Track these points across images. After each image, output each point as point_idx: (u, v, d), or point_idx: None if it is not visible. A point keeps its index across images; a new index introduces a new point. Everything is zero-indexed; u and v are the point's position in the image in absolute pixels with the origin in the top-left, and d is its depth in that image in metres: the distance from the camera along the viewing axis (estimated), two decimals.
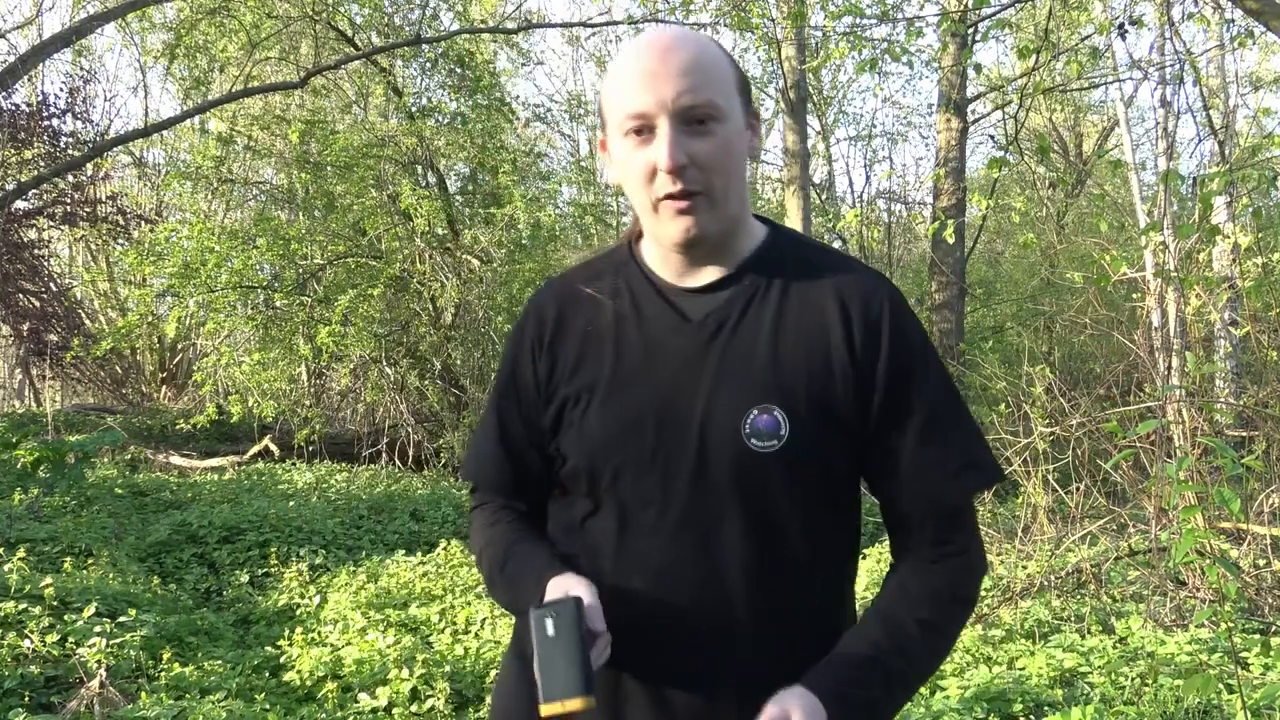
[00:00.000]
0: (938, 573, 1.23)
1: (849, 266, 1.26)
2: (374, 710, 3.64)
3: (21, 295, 12.10)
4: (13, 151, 11.30)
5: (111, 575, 5.12)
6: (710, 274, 1.23)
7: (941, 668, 3.82)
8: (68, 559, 5.29)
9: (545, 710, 1.05)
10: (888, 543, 1.31)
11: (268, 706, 3.58)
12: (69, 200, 12.23)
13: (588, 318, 1.26)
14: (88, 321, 14.07)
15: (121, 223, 12.73)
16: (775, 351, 1.19)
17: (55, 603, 4.18)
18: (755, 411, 1.16)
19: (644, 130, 1.16)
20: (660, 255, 1.26)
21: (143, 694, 3.53)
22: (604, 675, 1.15)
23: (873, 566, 5.61)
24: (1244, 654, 3.73)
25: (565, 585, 1.14)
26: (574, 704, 1.05)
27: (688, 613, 1.18)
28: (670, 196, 1.16)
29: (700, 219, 1.17)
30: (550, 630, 1.07)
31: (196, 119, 13.78)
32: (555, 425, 1.25)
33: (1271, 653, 3.73)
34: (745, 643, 1.19)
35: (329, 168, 10.64)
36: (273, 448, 10.41)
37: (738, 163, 1.19)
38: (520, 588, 1.23)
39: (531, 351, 1.28)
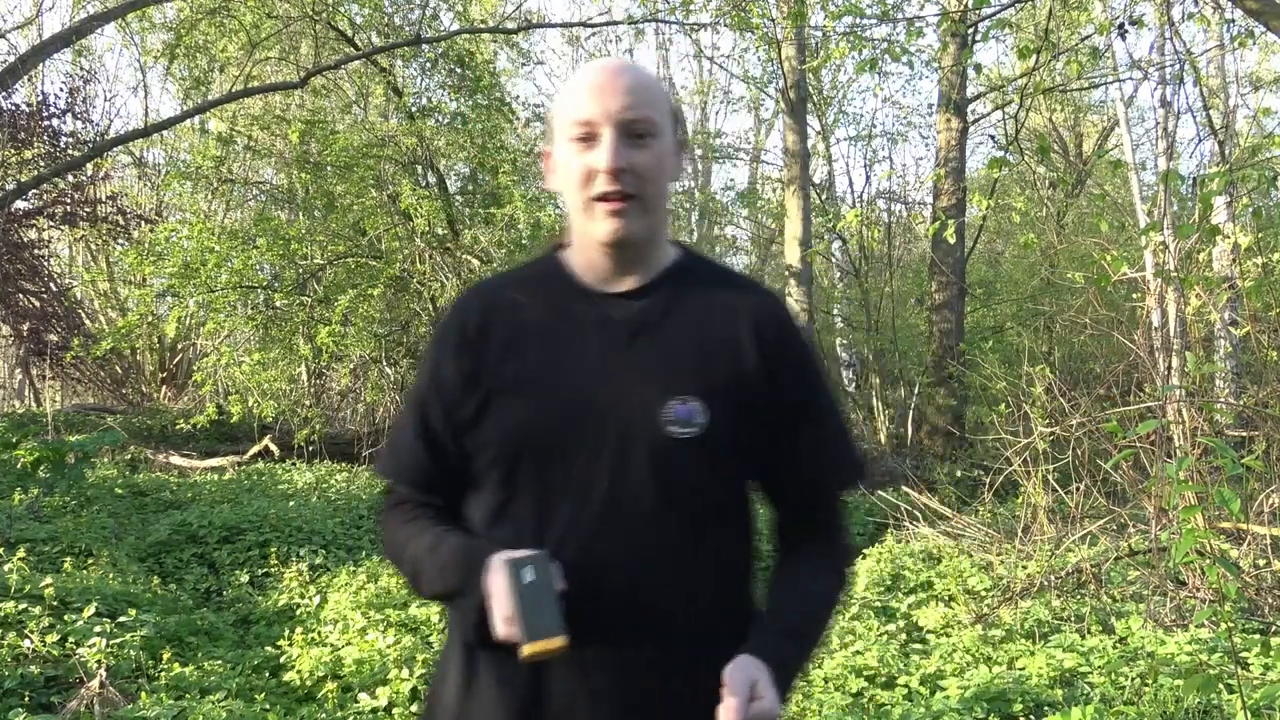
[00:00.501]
0: (829, 555, 1.41)
1: (753, 283, 1.43)
2: (374, 710, 3.64)
3: (21, 295, 12.10)
4: (13, 151, 11.29)
5: (111, 575, 5.12)
6: (631, 281, 1.34)
7: (942, 668, 3.83)
8: (68, 559, 5.29)
9: (529, 649, 1.13)
10: (773, 532, 1.44)
11: (268, 706, 3.58)
12: (69, 200, 12.23)
13: (513, 317, 1.35)
14: (88, 321, 14.06)
15: (121, 223, 12.72)
16: (693, 351, 1.31)
17: (55, 603, 4.18)
18: (674, 402, 1.27)
19: (589, 137, 1.28)
20: (585, 262, 1.35)
21: (143, 694, 3.53)
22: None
23: (873, 566, 5.61)
24: (1244, 654, 3.73)
25: (512, 554, 1.21)
26: (556, 643, 1.13)
27: (612, 594, 1.25)
28: (606, 197, 1.27)
29: (629, 221, 1.28)
30: (529, 577, 1.15)
31: (196, 119, 13.77)
32: (478, 417, 1.32)
33: (1271, 653, 3.73)
34: (669, 619, 1.28)
35: (329, 168, 10.64)
36: (273, 448, 10.40)
37: (666, 178, 1.33)
38: (453, 572, 1.28)
39: (455, 350, 1.35)
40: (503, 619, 1.17)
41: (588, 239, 1.33)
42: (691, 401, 1.27)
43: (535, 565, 1.16)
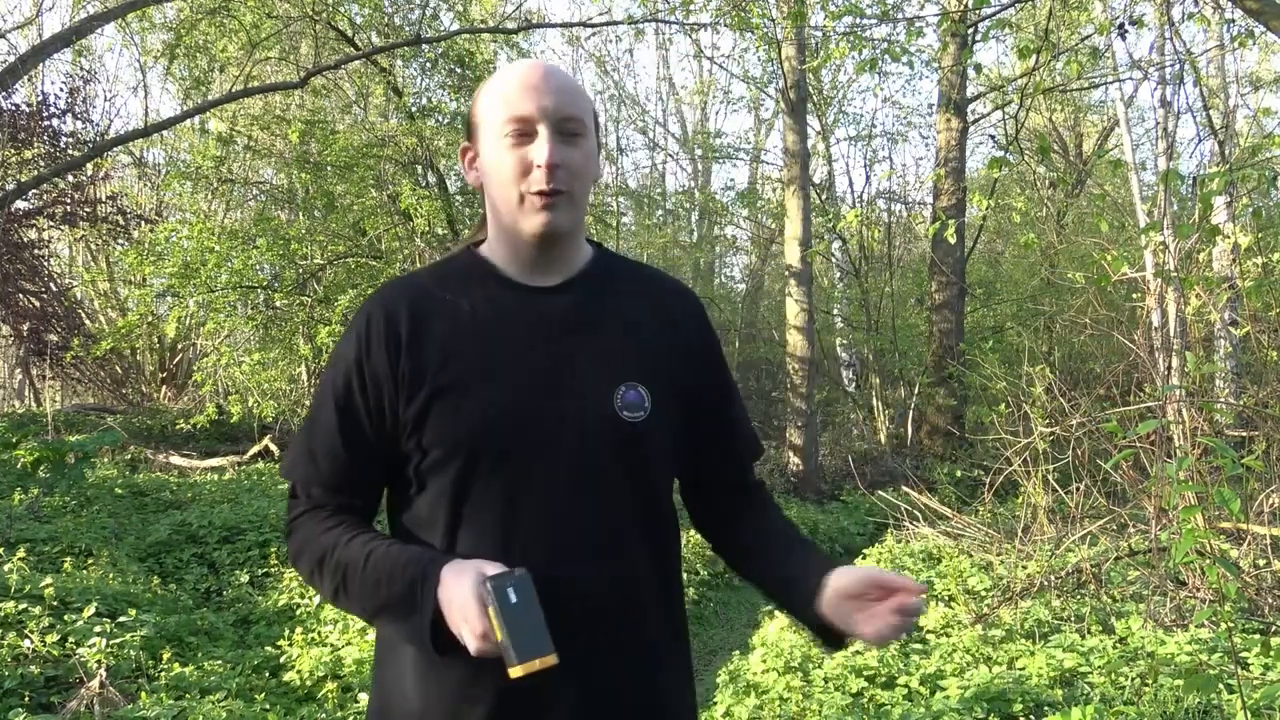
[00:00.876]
0: (775, 508, 1.52)
1: (668, 277, 1.51)
2: None
3: (21, 295, 12.09)
4: (13, 151, 11.29)
5: (111, 575, 5.12)
6: (555, 277, 1.37)
7: (942, 668, 3.83)
8: (68, 559, 5.29)
9: (519, 670, 1.14)
10: (691, 507, 1.55)
11: (268, 706, 3.58)
12: (69, 200, 12.22)
13: (445, 315, 1.34)
14: (88, 321, 14.05)
15: (121, 223, 12.72)
16: (630, 340, 1.37)
17: (55, 603, 4.18)
18: (623, 388, 1.33)
19: (523, 134, 1.30)
20: (508, 256, 1.37)
21: (143, 694, 3.53)
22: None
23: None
24: (1244, 654, 3.73)
25: (475, 566, 1.19)
26: (550, 660, 1.15)
27: (588, 580, 1.28)
28: (541, 192, 1.29)
29: (559, 214, 1.31)
30: (514, 598, 1.15)
31: (196, 119, 13.77)
32: (420, 418, 1.29)
33: (1271, 653, 3.73)
34: (642, 596, 1.33)
35: (329, 168, 10.64)
36: (273, 447, 10.40)
37: (592, 175, 1.37)
38: (396, 582, 1.24)
39: (386, 349, 1.31)
40: (476, 635, 1.15)
41: (515, 233, 1.34)
42: (638, 387, 1.33)
43: (518, 585, 1.16)
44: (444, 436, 1.28)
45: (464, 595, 1.16)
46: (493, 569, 1.18)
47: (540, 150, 1.29)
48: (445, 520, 1.29)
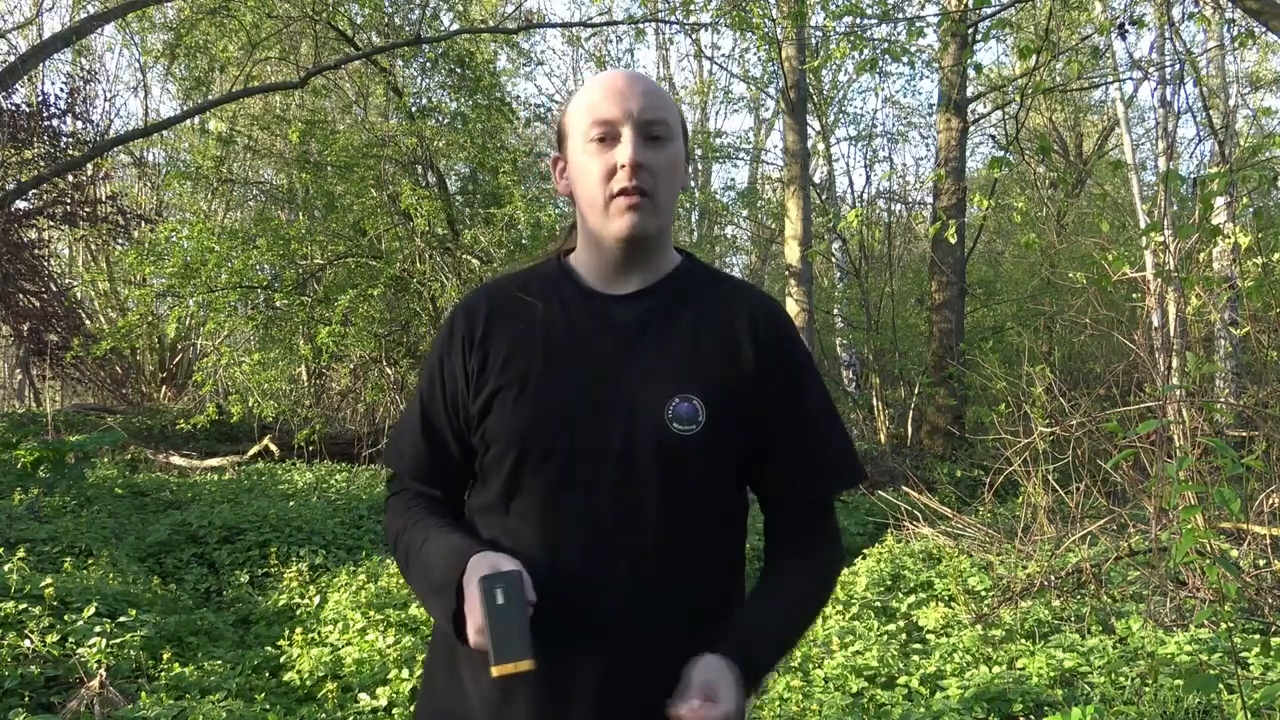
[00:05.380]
0: (815, 559, 1.42)
1: (752, 288, 1.47)
2: (374, 710, 3.64)
3: (21, 295, 12.08)
4: (13, 151, 11.29)
5: (111, 575, 5.12)
6: (635, 284, 1.39)
7: (942, 668, 3.83)
8: (68, 559, 5.29)
9: (497, 670, 1.17)
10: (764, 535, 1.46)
11: (268, 706, 3.58)
12: (69, 200, 12.22)
13: (519, 317, 1.39)
14: (88, 321, 14.05)
15: (121, 223, 12.71)
16: (693, 351, 1.35)
17: (55, 603, 4.18)
18: (677, 399, 1.31)
19: (608, 137, 1.33)
20: (594, 264, 1.40)
21: (143, 694, 3.53)
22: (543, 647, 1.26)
23: (873, 566, 5.61)
24: (1244, 654, 3.73)
25: (491, 561, 1.24)
26: (526, 665, 1.16)
27: (616, 583, 1.29)
28: (625, 192, 1.31)
29: (644, 217, 1.32)
30: (500, 599, 1.18)
31: (196, 119, 13.77)
32: (484, 413, 1.35)
33: (1271, 653, 3.73)
34: (664, 608, 1.31)
35: (329, 168, 10.64)
36: (273, 448, 10.40)
37: (678, 181, 1.37)
38: (438, 568, 1.32)
39: (462, 347, 1.39)
40: (475, 629, 1.20)
41: (601, 237, 1.36)
42: (693, 399, 1.31)
43: (507, 586, 1.18)
44: (499, 432, 1.34)
45: (471, 589, 1.22)
46: (507, 564, 1.22)
47: (624, 150, 1.31)
48: (499, 513, 1.35)
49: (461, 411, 1.38)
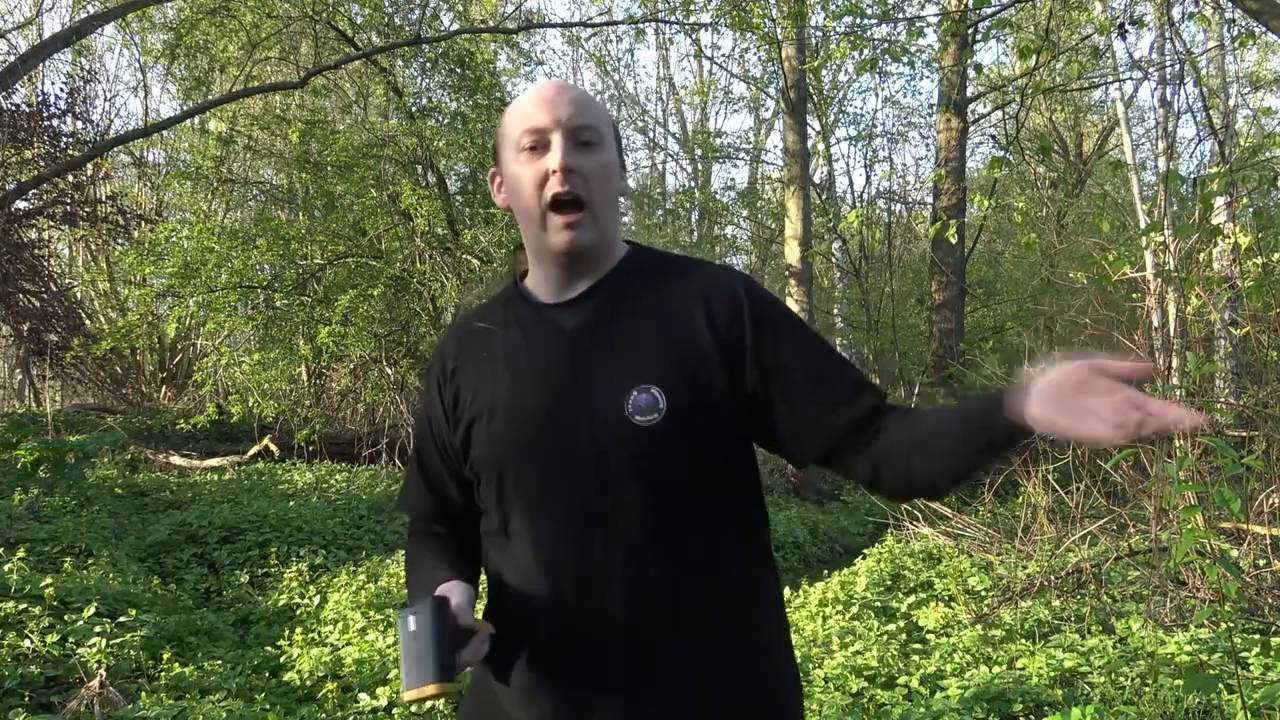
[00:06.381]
0: (896, 411, 1.32)
1: (702, 264, 1.44)
2: (374, 710, 3.64)
3: (21, 295, 12.08)
4: (13, 151, 11.28)
5: (111, 575, 5.12)
6: (582, 286, 1.39)
7: (942, 668, 3.83)
8: (68, 559, 5.29)
9: (407, 696, 1.18)
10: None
11: (268, 706, 3.58)
12: (69, 200, 12.22)
13: (482, 347, 1.42)
14: (88, 321, 14.05)
15: (121, 223, 12.71)
16: (646, 340, 1.34)
17: (55, 603, 4.18)
18: (635, 392, 1.29)
19: (538, 146, 1.34)
20: (540, 278, 1.41)
21: (143, 694, 3.53)
22: (545, 661, 1.30)
23: (873, 566, 5.61)
24: (1244, 654, 3.73)
25: (446, 590, 1.29)
26: (429, 690, 1.16)
27: (616, 596, 1.28)
28: (557, 200, 1.32)
29: (582, 232, 1.33)
30: (411, 626, 1.20)
31: (196, 119, 13.77)
32: (465, 446, 1.39)
33: (1271, 653, 3.73)
34: (668, 600, 1.29)
35: (329, 168, 10.64)
36: (273, 448, 10.40)
37: (613, 185, 1.37)
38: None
39: (438, 386, 1.44)
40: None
41: (543, 252, 1.38)
42: (650, 389, 1.29)
43: (419, 615, 1.20)
44: (481, 462, 1.37)
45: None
46: (451, 592, 1.27)
47: (554, 156, 1.32)
48: (502, 538, 1.37)
49: (450, 449, 1.42)
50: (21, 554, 4.95)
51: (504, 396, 1.35)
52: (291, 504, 7.16)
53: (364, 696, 3.69)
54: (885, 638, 4.31)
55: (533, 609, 1.30)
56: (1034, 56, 5.86)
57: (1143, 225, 7.55)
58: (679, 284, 1.38)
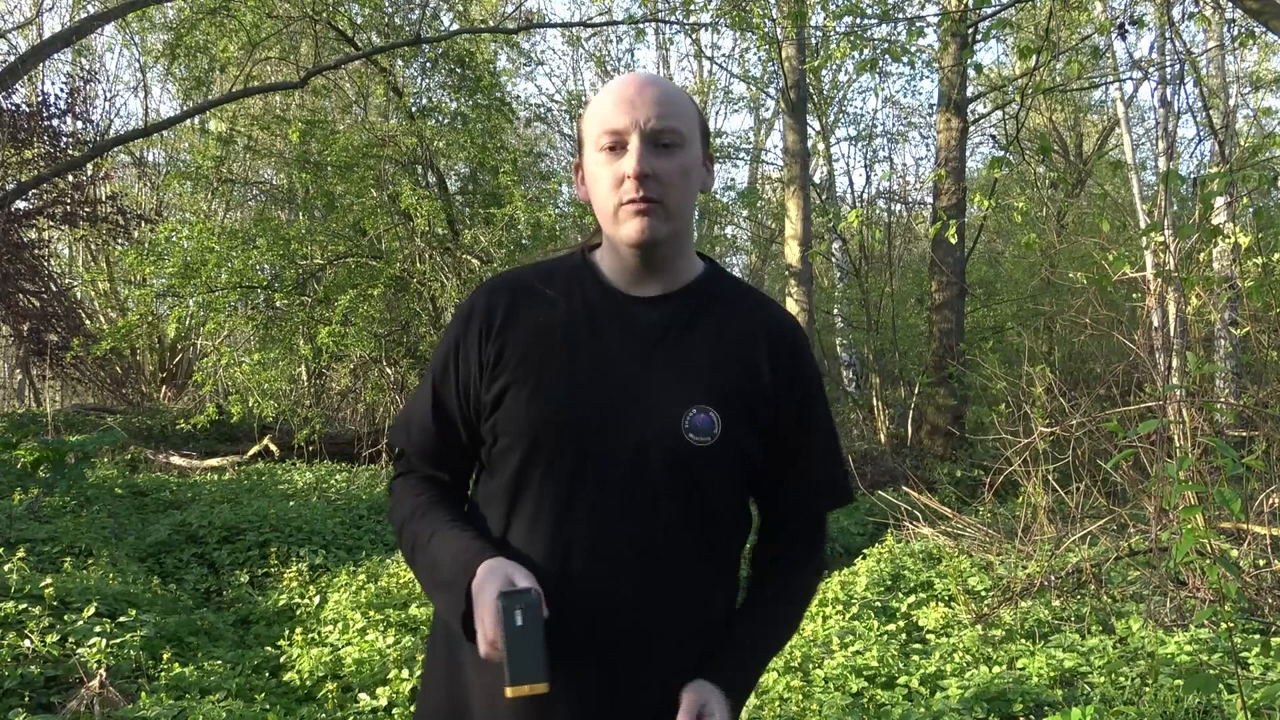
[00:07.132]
0: (800, 572, 1.48)
1: (771, 303, 1.47)
2: (374, 710, 3.64)
3: (21, 295, 12.09)
4: (13, 151, 11.29)
5: (111, 575, 5.12)
6: (656, 288, 1.38)
7: (942, 668, 3.83)
8: (68, 559, 5.29)
9: (512, 692, 1.17)
10: (758, 538, 1.50)
11: (268, 706, 3.58)
12: (69, 200, 12.22)
13: (540, 310, 1.38)
14: (88, 321, 14.06)
15: (121, 223, 12.71)
16: (712, 363, 1.36)
17: (55, 603, 4.18)
18: (694, 410, 1.31)
19: (617, 146, 1.32)
20: (614, 264, 1.39)
21: (143, 694, 3.53)
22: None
23: (873, 566, 5.61)
24: (1244, 654, 3.73)
25: (505, 572, 1.24)
26: (541, 688, 1.17)
27: (628, 589, 1.30)
28: (632, 201, 1.31)
29: (654, 222, 1.32)
30: (519, 620, 1.18)
31: (196, 119, 13.78)
32: (495, 404, 1.35)
33: (1271, 653, 3.73)
34: (668, 617, 1.32)
35: (329, 168, 10.63)
36: (273, 448, 10.40)
37: (692, 186, 1.36)
38: (446, 566, 1.32)
39: (480, 334, 1.38)
40: (488, 642, 1.21)
41: (616, 243, 1.36)
42: (710, 411, 1.31)
43: (526, 607, 1.19)
44: (510, 425, 1.33)
45: (486, 600, 1.21)
46: (523, 580, 1.22)
47: (629, 161, 1.31)
48: (505, 507, 1.35)
49: (472, 398, 1.38)
50: (21, 554, 4.95)
51: (557, 369, 1.33)
52: (291, 504, 7.16)
53: (364, 696, 3.69)
54: (885, 638, 4.31)
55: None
56: (1034, 56, 5.86)
57: (1143, 225, 7.55)
58: (750, 317, 1.41)
